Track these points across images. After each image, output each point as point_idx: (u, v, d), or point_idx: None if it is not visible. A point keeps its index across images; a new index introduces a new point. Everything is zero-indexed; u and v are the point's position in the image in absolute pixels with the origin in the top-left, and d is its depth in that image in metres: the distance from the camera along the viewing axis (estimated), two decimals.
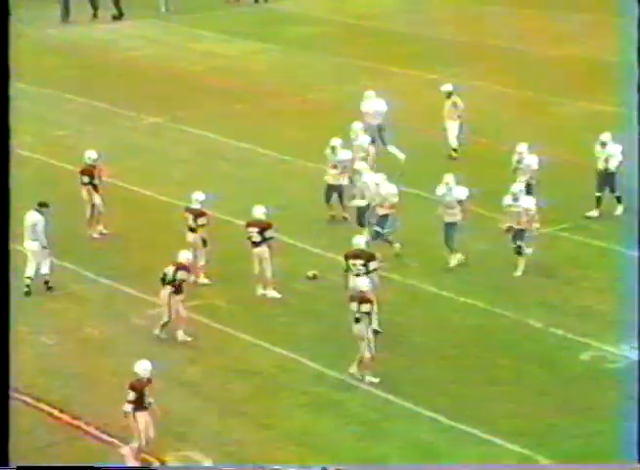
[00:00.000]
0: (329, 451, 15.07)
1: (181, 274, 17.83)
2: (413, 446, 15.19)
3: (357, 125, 23.48)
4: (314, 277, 19.86)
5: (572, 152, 24.03)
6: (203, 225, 19.77)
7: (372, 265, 17.64)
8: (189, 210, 19.95)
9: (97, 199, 21.56)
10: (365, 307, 16.38)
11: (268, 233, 19.00)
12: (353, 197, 21.35)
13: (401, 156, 24.81)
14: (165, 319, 17.93)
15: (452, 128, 25.26)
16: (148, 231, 21.96)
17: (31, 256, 19.53)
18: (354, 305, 16.49)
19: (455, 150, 25.19)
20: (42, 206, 19.69)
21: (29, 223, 19.54)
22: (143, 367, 14.95)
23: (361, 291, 16.65)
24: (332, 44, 34.84)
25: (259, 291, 19.17)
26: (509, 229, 19.78)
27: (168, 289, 17.83)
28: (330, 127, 27.60)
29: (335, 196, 22.09)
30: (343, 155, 22.20)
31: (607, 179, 21.95)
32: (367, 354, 16.50)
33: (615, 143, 22.03)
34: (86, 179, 21.58)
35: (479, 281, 19.46)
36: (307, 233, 21.60)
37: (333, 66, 33.07)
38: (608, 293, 19.27)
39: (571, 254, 20.86)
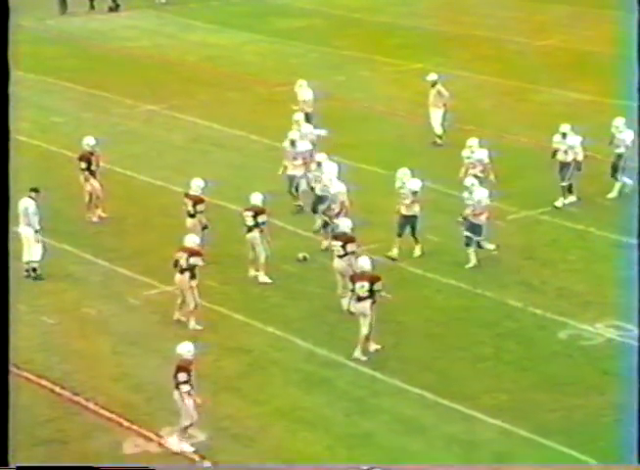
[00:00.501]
0: (319, 426, 15.07)
1: (194, 260, 17.55)
2: (399, 422, 15.19)
3: (299, 116, 23.20)
4: (304, 259, 19.85)
5: (551, 138, 23.95)
6: (202, 212, 19.71)
7: (349, 248, 17.76)
8: (188, 196, 19.86)
9: (95, 184, 21.47)
10: (377, 286, 16.51)
11: (261, 218, 18.95)
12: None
13: (323, 132, 24.69)
14: (180, 301, 17.73)
15: (436, 116, 25.23)
16: (143, 215, 21.91)
17: (26, 241, 19.43)
18: (359, 284, 16.50)
19: (440, 137, 25.17)
20: (33, 191, 19.54)
21: (22, 209, 19.40)
22: (187, 349, 14.74)
23: (364, 271, 16.74)
24: (320, 35, 34.77)
25: (251, 273, 19.14)
26: (463, 220, 19.36)
27: (186, 275, 17.56)
28: (319, 114, 27.63)
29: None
30: (303, 146, 22.00)
31: (563, 169, 21.68)
32: (365, 331, 16.55)
33: (574, 134, 21.76)
34: (84, 165, 21.49)
35: (462, 263, 19.42)
36: (298, 217, 21.56)
37: (321, 55, 33.00)
38: (584, 274, 19.32)
39: (549, 236, 20.86)
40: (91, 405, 15.71)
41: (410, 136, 25.75)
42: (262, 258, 18.98)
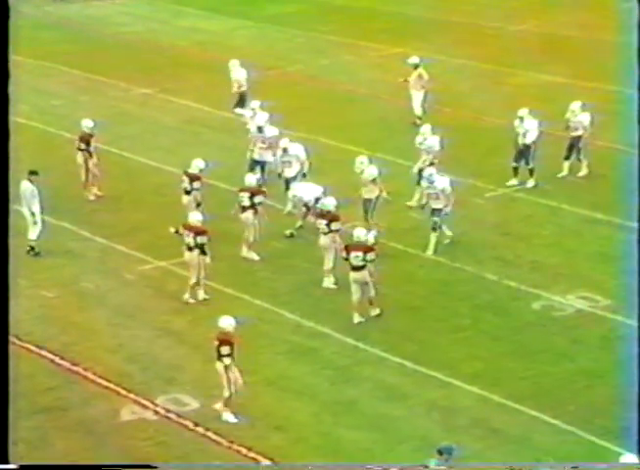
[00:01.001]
0: (306, 394, 15.13)
1: (201, 239, 17.46)
2: (381, 389, 15.25)
3: (255, 104, 22.98)
4: (291, 235, 19.86)
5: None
6: (197, 189, 19.69)
7: (333, 226, 17.82)
8: (187, 173, 19.85)
9: (91, 163, 21.43)
10: (370, 256, 16.64)
11: (257, 198, 18.88)
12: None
13: (248, 113, 24.71)
14: (194, 280, 17.63)
15: (417, 98, 25.21)
16: (138, 193, 21.88)
17: (30, 221, 19.39)
18: (354, 254, 16.63)
19: (420, 118, 25.14)
20: (32, 174, 19.49)
21: (21, 190, 19.38)
22: (228, 322, 14.58)
23: (359, 241, 16.87)
24: (306, 21, 34.64)
25: (244, 252, 19.05)
26: (424, 206, 19.25)
27: (195, 252, 17.49)
28: (305, 97, 27.61)
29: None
30: (271, 131, 21.78)
31: (523, 152, 21.60)
32: (372, 293, 16.81)
33: (532, 118, 21.57)
34: (83, 145, 21.44)
35: (441, 239, 19.44)
36: (285, 195, 21.53)
37: (307, 40, 32.88)
38: (557, 248, 19.37)
39: (524, 213, 20.90)
40: (89, 375, 15.74)
41: (392, 118, 25.72)
42: (251, 237, 18.97)
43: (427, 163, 20.44)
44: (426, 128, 21.19)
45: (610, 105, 25.77)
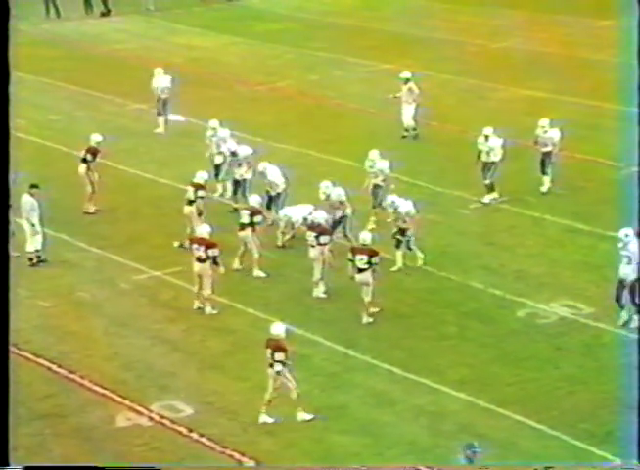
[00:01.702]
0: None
1: (213, 252, 17.40)
2: (371, 395, 15.18)
3: (214, 123, 22.65)
4: (283, 246, 19.78)
5: (509, 133, 23.87)
6: (202, 197, 19.65)
7: (322, 239, 17.78)
8: (191, 183, 19.82)
9: (96, 177, 21.23)
10: (375, 259, 16.78)
11: (257, 218, 18.72)
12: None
13: (182, 119, 25.58)
14: (200, 290, 17.57)
15: (408, 111, 25.11)
16: (133, 205, 21.79)
17: (29, 232, 19.29)
18: (359, 257, 16.78)
19: (407, 130, 25.07)
20: (33, 187, 19.39)
21: (22, 203, 19.29)
22: (281, 329, 14.58)
23: (364, 244, 16.95)
24: (296, 37, 34.63)
25: (235, 265, 18.82)
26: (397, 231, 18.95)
27: (208, 264, 17.36)
28: (295, 111, 27.58)
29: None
30: (243, 151, 21.54)
31: (487, 169, 21.30)
32: (368, 298, 16.86)
33: (496, 137, 21.35)
34: (89, 157, 21.28)
35: (428, 248, 19.37)
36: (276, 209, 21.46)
37: (297, 56, 32.88)
38: (540, 258, 19.34)
39: (508, 223, 20.87)
40: (86, 382, 15.65)
41: (380, 131, 25.68)
42: (256, 255, 18.74)
43: (371, 186, 20.18)
44: (374, 154, 20.76)
45: (589, 119, 25.86)
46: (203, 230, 17.73)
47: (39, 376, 15.88)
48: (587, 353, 16.16)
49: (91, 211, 21.39)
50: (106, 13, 38.47)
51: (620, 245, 16.44)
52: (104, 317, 17.59)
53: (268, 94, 29.13)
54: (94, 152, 21.36)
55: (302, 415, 14.56)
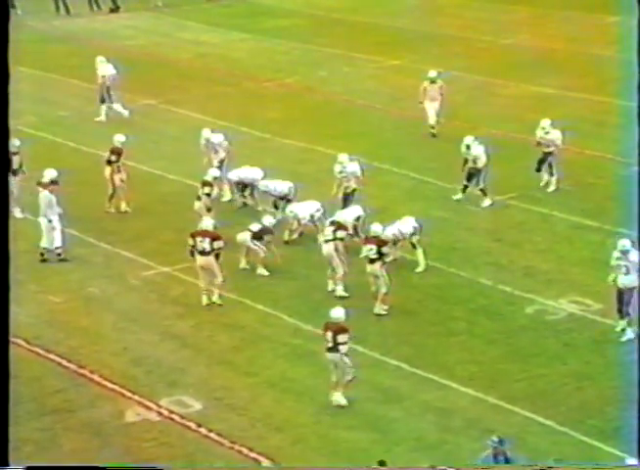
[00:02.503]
0: (305, 395, 15.06)
1: (217, 244, 17.48)
2: (379, 391, 15.16)
3: (206, 133, 22.29)
4: (287, 243, 19.70)
5: (518, 129, 23.94)
6: (208, 194, 19.67)
7: (339, 234, 17.75)
8: (203, 181, 19.88)
9: (118, 178, 21.10)
10: (384, 249, 16.88)
11: (266, 237, 18.64)
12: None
13: (125, 112, 25.60)
14: (208, 284, 17.60)
15: (432, 109, 24.70)
16: (142, 201, 21.74)
17: (44, 229, 19.31)
18: (368, 247, 16.90)
19: (433, 127, 24.71)
20: (52, 183, 19.43)
21: (40, 199, 19.35)
22: (341, 312, 14.78)
23: (376, 236, 17.05)
24: (304, 34, 34.60)
25: (242, 264, 18.80)
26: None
27: (212, 256, 17.45)
28: (303, 107, 27.57)
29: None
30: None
31: (474, 175, 20.99)
32: (383, 290, 16.89)
33: (478, 144, 21.11)
34: (113, 157, 21.22)
35: (437, 244, 19.37)
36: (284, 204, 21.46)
37: (305, 53, 32.86)
38: (548, 254, 19.31)
39: (517, 220, 20.82)
40: (95, 377, 15.67)
41: (388, 128, 25.68)
42: (261, 254, 18.65)
43: (349, 189, 19.91)
44: (343, 157, 20.36)
45: (597, 115, 25.80)
46: (207, 223, 17.83)
47: (49, 371, 15.90)
48: (595, 350, 16.14)
49: (112, 210, 21.19)
50: (115, 9, 38.49)
51: (618, 255, 16.33)
52: (113, 313, 17.61)
53: (276, 90, 29.12)
54: (118, 152, 21.26)
55: (339, 398, 14.64)
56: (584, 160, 23.12)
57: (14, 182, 20.20)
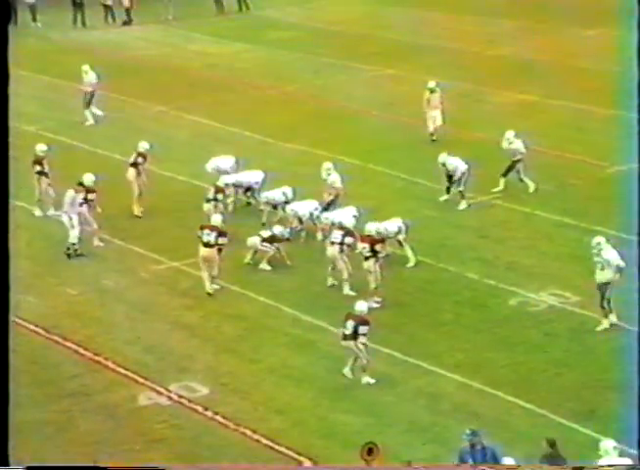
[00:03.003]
0: (305, 381, 15.13)
1: (222, 240, 17.64)
2: (373, 377, 15.18)
3: (210, 165, 21.84)
4: (288, 240, 19.74)
5: (503, 134, 23.88)
6: (216, 200, 19.76)
7: (347, 240, 17.66)
8: (214, 185, 20.00)
9: (140, 181, 21.07)
10: (378, 247, 17.01)
11: (278, 244, 18.65)
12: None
13: (92, 122, 25.65)
14: (209, 275, 17.75)
15: (433, 117, 24.57)
16: (153, 201, 21.79)
17: (68, 225, 19.36)
18: (362, 245, 17.08)
19: (432, 134, 24.54)
20: (79, 185, 19.52)
21: (66, 199, 19.43)
22: (365, 305, 15.14)
23: (367, 234, 17.22)
24: (304, 45, 34.60)
25: (247, 259, 18.89)
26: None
27: (215, 249, 17.60)
28: (303, 113, 27.62)
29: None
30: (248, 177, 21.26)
31: (453, 180, 20.90)
32: (372, 285, 16.98)
33: (452, 157, 20.91)
34: (140, 159, 21.17)
35: (427, 241, 19.40)
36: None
37: (305, 62, 32.86)
38: (531, 250, 19.34)
39: (501, 218, 20.85)
40: (110, 364, 15.75)
41: (382, 132, 25.72)
42: (270, 254, 18.73)
43: (331, 197, 19.82)
44: (328, 165, 20.24)
45: (577, 121, 25.84)
46: (216, 218, 17.98)
47: (67, 358, 15.98)
48: (573, 339, 16.21)
49: (138, 213, 21.02)
50: (128, 22, 38.49)
51: (594, 252, 16.40)
52: (126, 304, 17.67)
53: (278, 97, 29.15)
54: (144, 156, 21.25)
55: (367, 379, 14.90)
56: (565, 162, 23.18)
57: (44, 184, 20.47)
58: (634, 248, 16.90)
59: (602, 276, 16.26)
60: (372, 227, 17.74)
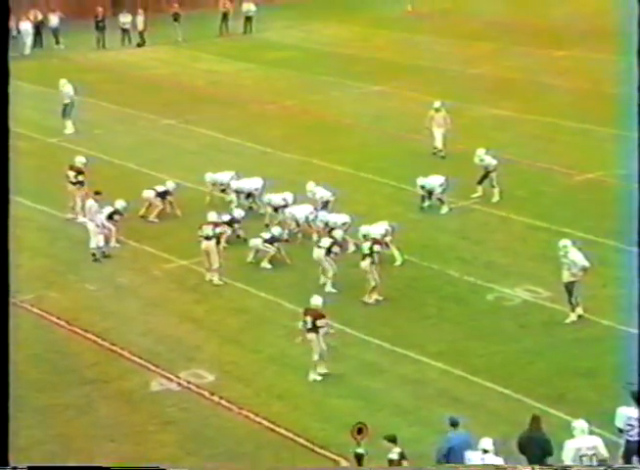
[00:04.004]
0: (302, 370, 15.12)
1: (219, 229, 18.06)
2: (364, 365, 15.25)
3: (209, 177, 21.69)
4: (286, 241, 19.76)
5: (480, 145, 23.84)
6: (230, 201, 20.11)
7: (334, 249, 17.53)
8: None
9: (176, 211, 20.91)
10: (376, 248, 16.99)
11: (276, 244, 18.57)
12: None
13: (70, 131, 25.73)
14: (210, 265, 17.72)
15: (438, 134, 24.31)
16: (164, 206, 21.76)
17: (90, 232, 19.33)
18: (365, 244, 17.02)
19: (441, 150, 24.20)
20: (97, 193, 19.52)
21: (87, 207, 19.45)
22: (319, 300, 14.91)
23: (368, 234, 17.31)
24: (301, 64, 34.61)
25: (250, 258, 18.90)
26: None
27: (213, 241, 17.79)
28: (300, 126, 27.66)
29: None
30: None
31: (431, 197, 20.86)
32: (372, 283, 16.88)
33: (428, 180, 20.73)
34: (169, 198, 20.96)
35: (412, 242, 19.41)
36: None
37: (301, 80, 32.86)
38: (507, 250, 19.34)
39: (480, 221, 20.86)
40: (125, 353, 15.76)
41: (371, 143, 25.75)
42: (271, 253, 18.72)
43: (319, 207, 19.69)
44: (310, 185, 20.02)
45: (547, 134, 25.89)
46: (212, 215, 18.31)
47: (87, 348, 15.98)
48: (545, 330, 16.26)
49: (154, 219, 20.75)
50: (141, 44, 38.50)
51: (561, 254, 16.43)
52: (139, 299, 17.67)
53: (277, 112, 29.17)
54: (172, 194, 20.93)
55: (314, 375, 14.69)
56: (536, 171, 23.23)
57: (80, 193, 20.45)
58: (599, 248, 16.95)
59: (568, 276, 16.30)
60: (361, 230, 17.79)
